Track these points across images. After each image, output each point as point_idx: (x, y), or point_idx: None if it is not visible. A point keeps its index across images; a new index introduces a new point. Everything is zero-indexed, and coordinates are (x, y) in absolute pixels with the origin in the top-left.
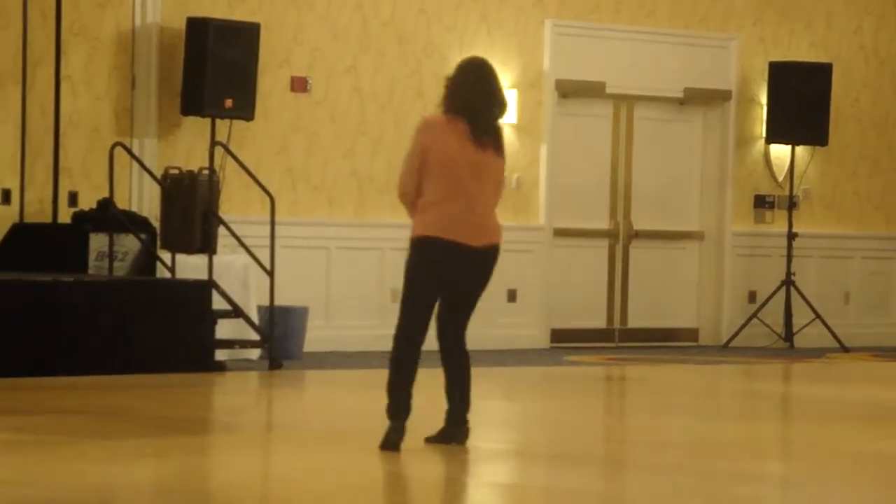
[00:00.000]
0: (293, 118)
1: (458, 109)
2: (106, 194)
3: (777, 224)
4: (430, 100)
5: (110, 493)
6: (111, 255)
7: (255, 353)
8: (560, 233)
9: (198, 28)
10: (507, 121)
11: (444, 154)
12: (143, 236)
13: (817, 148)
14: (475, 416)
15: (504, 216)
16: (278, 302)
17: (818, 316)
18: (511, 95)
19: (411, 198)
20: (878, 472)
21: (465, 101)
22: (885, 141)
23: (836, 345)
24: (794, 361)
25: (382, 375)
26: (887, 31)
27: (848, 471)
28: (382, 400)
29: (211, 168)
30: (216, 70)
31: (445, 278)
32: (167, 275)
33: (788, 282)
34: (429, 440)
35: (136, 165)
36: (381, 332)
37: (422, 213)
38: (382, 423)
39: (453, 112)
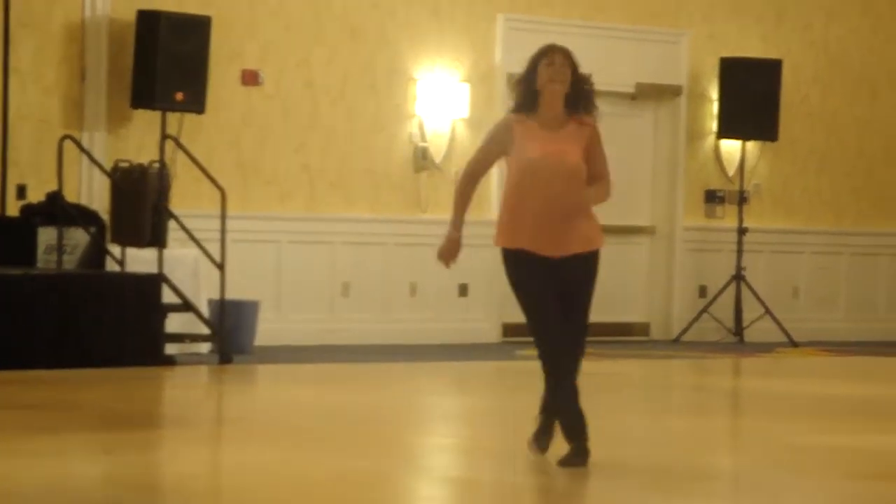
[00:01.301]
0: (245, 112)
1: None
2: (55, 187)
3: (727, 219)
4: (382, 94)
5: (60, 487)
6: (60, 249)
7: (205, 347)
8: None
9: (148, 20)
10: (459, 115)
11: None
12: (92, 230)
13: (767, 143)
14: (425, 411)
15: None
16: (229, 296)
17: (768, 311)
18: (463, 90)
19: None
20: (825, 464)
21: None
22: (834, 137)
23: (786, 339)
24: (744, 356)
25: (333, 370)
26: (837, 28)
27: (796, 464)
28: (334, 394)
29: (161, 161)
30: (167, 63)
31: None
32: (117, 268)
33: (739, 276)
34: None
35: (85, 158)
36: (331, 325)
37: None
38: (333, 417)
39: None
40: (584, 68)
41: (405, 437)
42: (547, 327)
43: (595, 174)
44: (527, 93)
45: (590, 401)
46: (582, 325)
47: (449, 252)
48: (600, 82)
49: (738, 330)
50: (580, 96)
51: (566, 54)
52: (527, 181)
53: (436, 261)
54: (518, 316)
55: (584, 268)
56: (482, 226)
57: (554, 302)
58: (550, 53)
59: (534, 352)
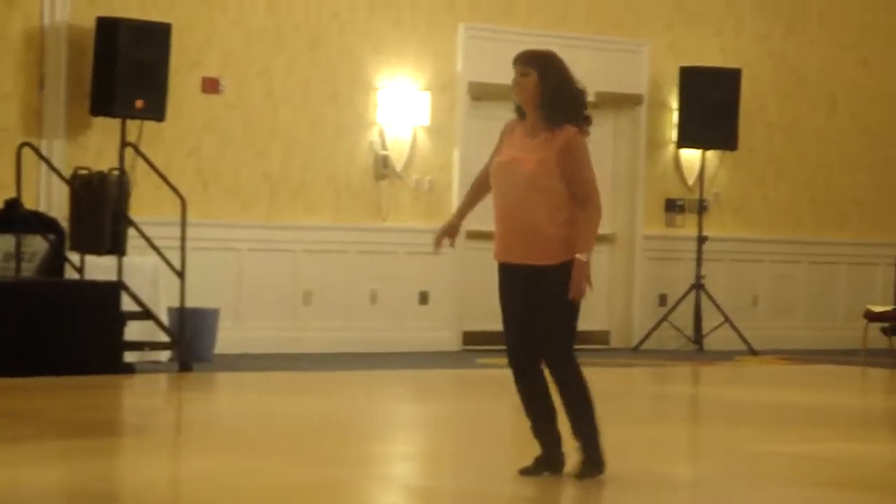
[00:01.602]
0: (205, 120)
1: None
2: (13, 194)
3: (687, 228)
4: (343, 103)
5: (17, 495)
6: (18, 256)
7: (164, 355)
8: (473, 235)
9: (108, 28)
10: (420, 123)
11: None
12: (51, 237)
13: (727, 152)
14: (386, 420)
15: (417, 218)
16: (189, 304)
17: (727, 319)
18: (424, 98)
19: None
20: (784, 472)
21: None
22: (792, 146)
23: (745, 347)
24: (704, 364)
25: (294, 378)
26: (795, 39)
27: (755, 472)
28: (294, 403)
29: (121, 169)
30: (127, 70)
31: None
32: (76, 276)
33: (698, 285)
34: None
35: (44, 166)
36: (292, 334)
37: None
38: (293, 426)
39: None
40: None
41: (366, 446)
42: (506, 338)
43: (574, 193)
44: None
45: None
46: (543, 346)
47: (442, 233)
48: None
49: (698, 338)
50: (552, 105)
51: (525, 61)
52: (494, 185)
53: (397, 269)
54: (478, 324)
55: (541, 281)
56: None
57: (516, 310)
58: (514, 62)
59: (492, 360)
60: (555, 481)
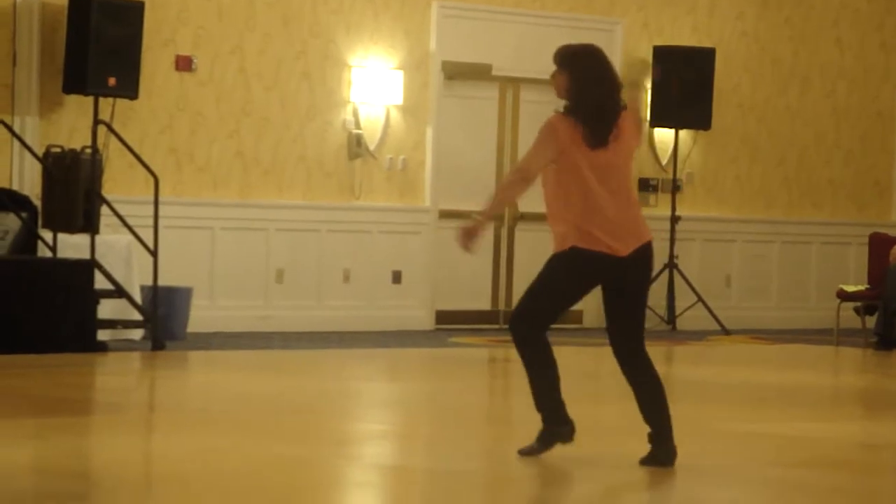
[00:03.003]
0: (178, 98)
1: None
2: None
3: (661, 207)
4: (316, 81)
5: None
6: None
7: (137, 334)
8: (446, 214)
9: (81, 5)
10: (393, 102)
11: None
12: (24, 215)
13: (700, 132)
14: (358, 398)
15: (390, 198)
16: (162, 282)
17: (700, 299)
18: (397, 77)
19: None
20: (756, 451)
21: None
22: (765, 126)
23: (718, 327)
24: (677, 343)
25: (267, 356)
26: (768, 18)
27: (727, 451)
28: (267, 381)
29: (94, 147)
30: (99, 48)
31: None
32: (48, 254)
33: (671, 265)
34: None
35: (16, 143)
36: (265, 312)
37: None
38: (266, 404)
39: None
40: (519, 55)
41: (338, 424)
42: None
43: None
44: None
45: (522, 388)
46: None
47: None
48: (534, 70)
49: (671, 318)
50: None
51: (555, 58)
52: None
53: (370, 248)
54: (451, 303)
55: None
56: (415, 213)
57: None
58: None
59: (466, 338)
60: (523, 461)
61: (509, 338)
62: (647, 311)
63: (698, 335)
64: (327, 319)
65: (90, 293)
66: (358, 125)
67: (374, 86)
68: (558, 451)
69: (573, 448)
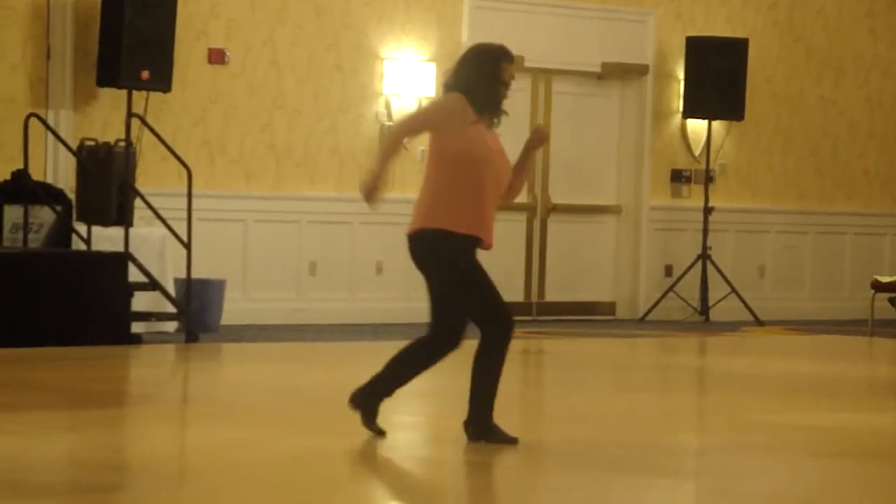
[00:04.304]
0: (210, 90)
1: None
2: (20, 165)
3: (693, 198)
4: (348, 73)
5: (23, 465)
6: (26, 227)
7: (171, 326)
8: None
9: None
10: (425, 94)
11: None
12: (58, 208)
13: (733, 123)
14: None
15: None
16: (195, 275)
17: (733, 290)
18: (429, 69)
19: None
20: (790, 443)
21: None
22: (798, 117)
23: (751, 318)
24: (710, 335)
25: (299, 349)
26: (802, 8)
27: (761, 442)
28: (299, 374)
29: (127, 140)
30: (133, 41)
31: None
32: (83, 247)
33: (704, 256)
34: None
35: (51, 137)
36: (298, 305)
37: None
38: (298, 397)
39: None
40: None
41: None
42: (505, 309)
43: None
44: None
45: (556, 379)
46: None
47: (374, 190)
48: (566, 62)
49: (704, 309)
50: None
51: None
52: (485, 171)
53: (402, 240)
54: None
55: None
56: None
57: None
58: (511, 59)
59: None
60: (557, 452)
61: (541, 329)
62: (681, 303)
63: (732, 326)
64: (360, 312)
65: (124, 286)
66: (390, 117)
67: (406, 78)
68: (591, 440)
69: (607, 438)
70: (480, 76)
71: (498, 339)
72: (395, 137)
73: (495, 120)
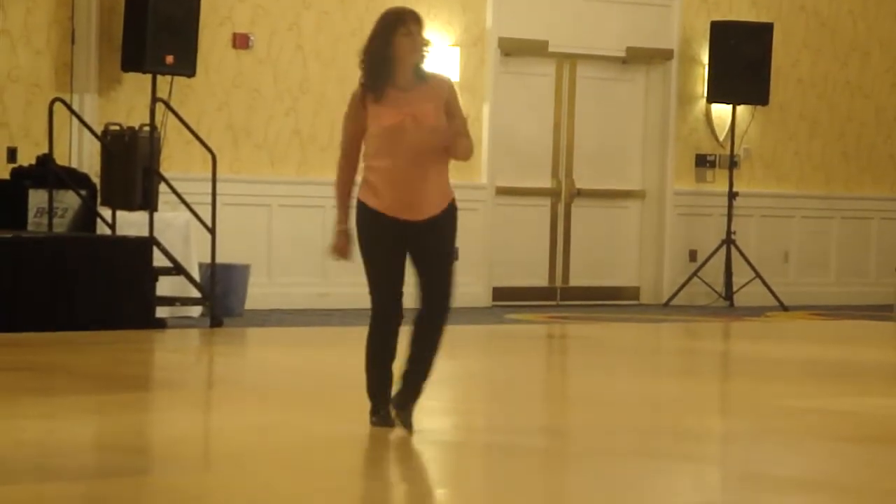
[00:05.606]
0: (235, 75)
1: None
2: (45, 150)
3: (718, 183)
4: None
5: (50, 449)
6: (51, 212)
7: (196, 311)
8: (502, 191)
9: None
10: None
11: None
12: (83, 193)
13: (758, 108)
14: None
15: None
16: (220, 259)
17: (758, 275)
18: (454, 54)
19: None
20: (814, 427)
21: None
22: (824, 101)
23: (776, 303)
24: (734, 320)
25: (324, 333)
26: None
27: (786, 427)
28: (324, 358)
29: (152, 124)
30: (157, 26)
31: None
32: (108, 232)
33: (729, 241)
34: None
35: (76, 121)
36: (322, 289)
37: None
38: (322, 381)
39: None
40: (576, 32)
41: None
42: (387, 291)
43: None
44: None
45: (580, 364)
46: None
47: (341, 245)
48: (591, 46)
49: (728, 294)
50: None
51: (420, 21)
52: (388, 147)
53: None
54: (507, 280)
55: (435, 232)
56: (472, 190)
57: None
58: (414, 20)
59: (522, 315)
60: (583, 435)
61: (565, 314)
62: (705, 288)
63: (756, 311)
64: None
65: (149, 270)
66: None
67: (430, 63)
68: (616, 424)
69: (631, 422)
70: (371, 47)
71: (370, 323)
72: (339, 172)
73: (410, 79)
